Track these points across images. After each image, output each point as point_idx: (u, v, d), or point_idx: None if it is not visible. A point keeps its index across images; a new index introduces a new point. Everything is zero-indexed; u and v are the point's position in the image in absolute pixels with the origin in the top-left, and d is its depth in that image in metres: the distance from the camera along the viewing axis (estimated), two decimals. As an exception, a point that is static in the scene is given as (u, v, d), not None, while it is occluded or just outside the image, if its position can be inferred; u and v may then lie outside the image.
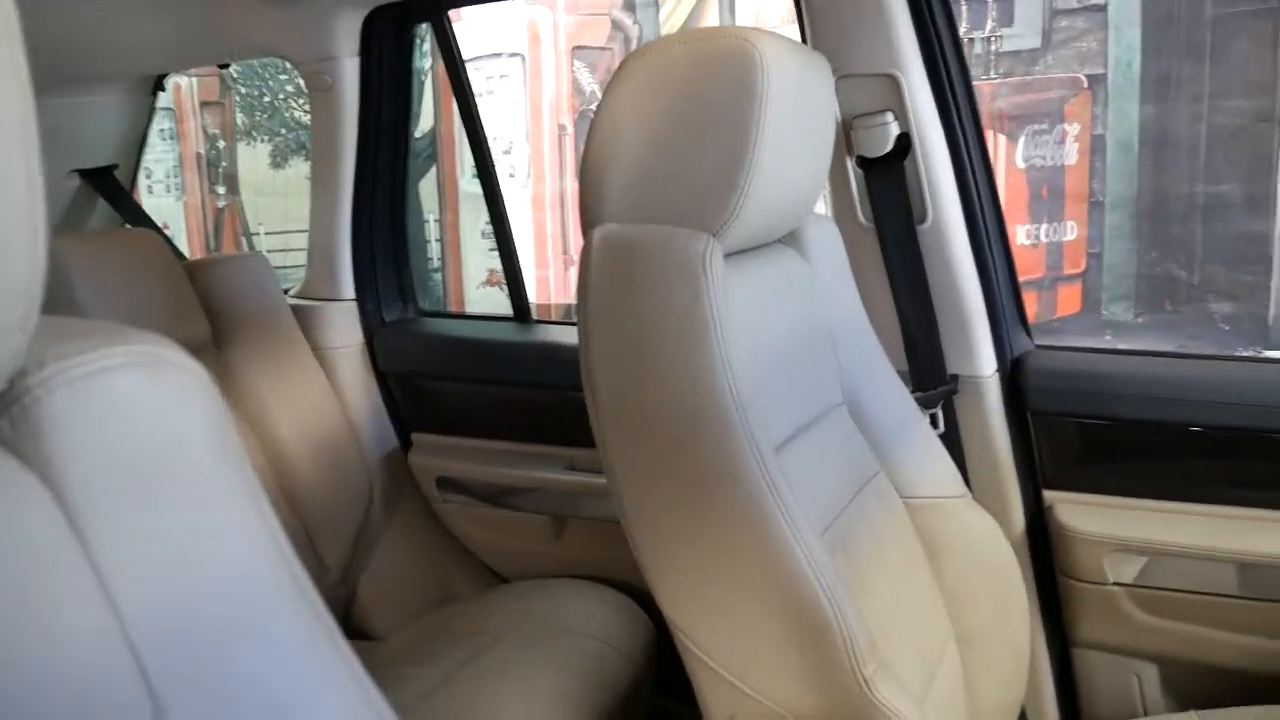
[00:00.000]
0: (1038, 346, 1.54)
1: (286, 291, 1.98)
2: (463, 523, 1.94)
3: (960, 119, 1.43)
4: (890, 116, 1.38)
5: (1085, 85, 5.62)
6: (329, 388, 1.87)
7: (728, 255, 1.02)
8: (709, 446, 0.87)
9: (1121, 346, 3.21)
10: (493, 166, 1.92)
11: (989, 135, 5.26)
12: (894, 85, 1.36)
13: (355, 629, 1.87)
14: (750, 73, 0.92)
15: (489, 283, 5.82)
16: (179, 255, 1.94)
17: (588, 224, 0.98)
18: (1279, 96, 5.11)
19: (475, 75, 6.42)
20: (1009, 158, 5.40)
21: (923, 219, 1.41)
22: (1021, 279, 5.09)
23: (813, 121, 1.07)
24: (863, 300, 1.31)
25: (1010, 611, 1.30)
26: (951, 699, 1.19)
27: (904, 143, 1.39)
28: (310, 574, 0.46)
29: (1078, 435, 1.49)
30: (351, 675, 0.46)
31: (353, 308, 1.95)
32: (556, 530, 1.83)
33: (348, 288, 1.95)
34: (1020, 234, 5.48)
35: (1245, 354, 1.97)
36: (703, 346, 0.87)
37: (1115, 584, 1.43)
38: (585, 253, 0.95)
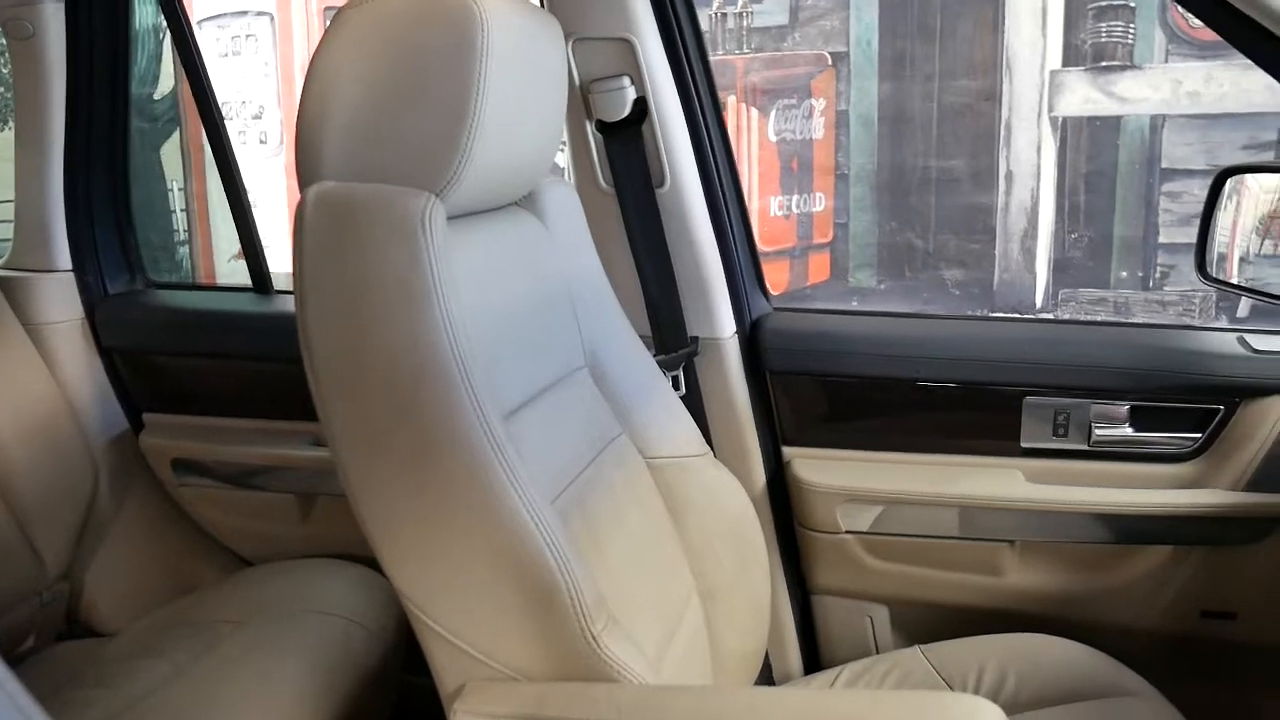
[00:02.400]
0: (775, 309, 1.60)
1: (-7, 263, 1.81)
2: (202, 506, 1.83)
3: (696, 85, 1.46)
4: (627, 81, 1.39)
5: (830, 62, 5.88)
6: (43, 366, 1.71)
7: (457, 217, 1.00)
8: (432, 411, 0.84)
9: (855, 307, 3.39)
10: (224, 130, 1.81)
11: (743, 109, 5.43)
12: (629, 50, 1.37)
13: (82, 626, 1.73)
14: (470, 28, 0.90)
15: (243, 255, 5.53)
16: None
17: (304, 182, 0.93)
18: (999, 77, 5.51)
19: (220, 34, 6.07)
20: (762, 131, 5.60)
21: (661, 183, 1.43)
22: (775, 248, 5.28)
23: (542, 82, 1.06)
24: (605, 264, 1.31)
25: (751, 565, 1.34)
26: (695, 651, 1.22)
27: (641, 107, 1.40)
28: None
29: (814, 393, 1.56)
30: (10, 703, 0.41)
31: (70, 279, 1.80)
32: (303, 509, 1.76)
33: (63, 257, 1.79)
34: (773, 205, 5.70)
35: (964, 314, 2.14)
36: (423, 309, 0.85)
37: (847, 532, 1.51)
38: (299, 212, 0.90)
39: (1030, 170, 5.47)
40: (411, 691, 1.48)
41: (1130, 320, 5.04)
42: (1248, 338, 1.42)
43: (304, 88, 0.95)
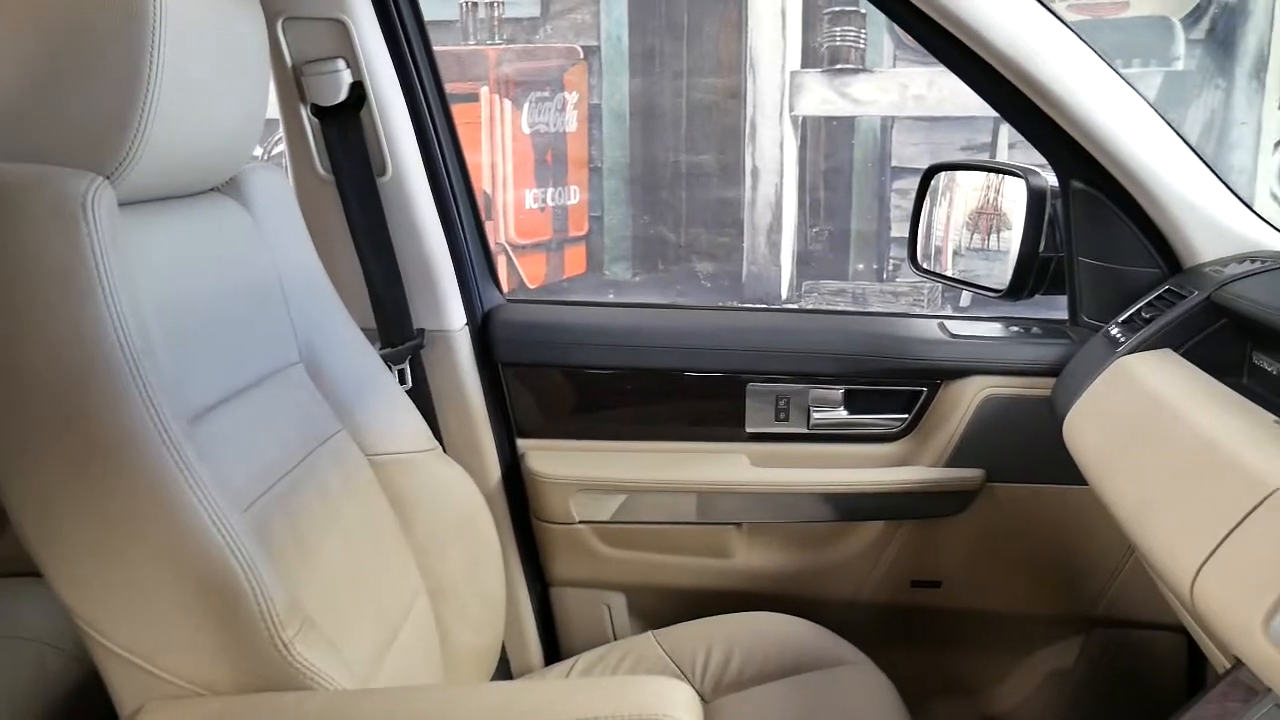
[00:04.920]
0: (507, 300, 1.59)
1: None
2: None
3: (418, 71, 1.42)
4: (342, 64, 1.33)
5: (581, 56, 5.93)
6: None
7: (141, 202, 0.93)
8: (100, 413, 0.77)
9: (586, 298, 3.43)
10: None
11: (496, 100, 5.39)
12: (344, 31, 1.32)
13: None
14: (140, 1, 0.83)
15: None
16: None
17: None
18: (744, 76, 5.72)
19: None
20: (515, 123, 5.57)
21: (383, 171, 1.39)
22: (531, 241, 5.27)
23: (235, 61, 1.00)
24: (325, 255, 1.25)
25: (483, 560, 1.33)
26: (422, 650, 1.19)
27: (359, 92, 1.35)
28: None
29: (547, 384, 1.55)
30: None
31: None
32: (-3, 525, 1.60)
33: None
34: (528, 198, 5.69)
35: (690, 304, 2.20)
36: (87, 302, 0.77)
37: (581, 522, 1.52)
38: None
39: (774, 167, 5.71)
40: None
41: (843, 309, 5.33)
42: (947, 324, 1.52)
43: None
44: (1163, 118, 1.26)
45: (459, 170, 1.50)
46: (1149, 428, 1.02)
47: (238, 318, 1.04)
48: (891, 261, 5.84)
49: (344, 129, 1.37)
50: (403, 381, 1.43)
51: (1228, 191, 1.28)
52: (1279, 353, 1.08)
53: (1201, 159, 1.27)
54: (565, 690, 0.85)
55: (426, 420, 1.34)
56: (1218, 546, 0.78)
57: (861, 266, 5.91)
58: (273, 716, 0.80)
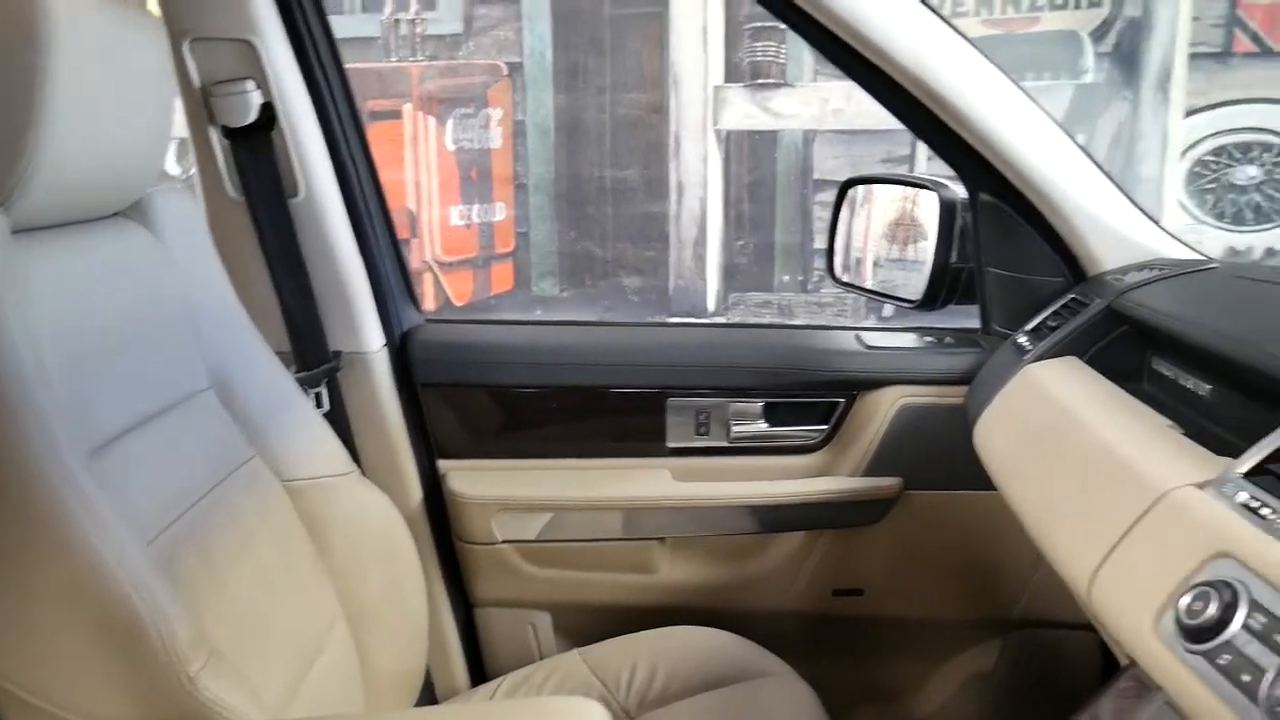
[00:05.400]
0: (427, 320, 1.58)
1: None
2: None
3: (331, 91, 1.41)
4: (252, 85, 1.32)
5: (505, 72, 5.92)
6: None
7: (37, 229, 0.91)
8: None
9: (504, 317, 3.43)
10: None
11: (419, 117, 5.36)
12: (252, 52, 1.30)
13: None
14: (33, 21, 0.81)
15: None
16: None
17: None
18: (667, 91, 5.76)
19: None
20: (440, 140, 5.54)
21: (295, 192, 1.37)
22: (457, 258, 5.24)
23: (137, 83, 0.98)
24: (237, 278, 1.23)
25: (404, 583, 1.31)
26: (340, 677, 1.17)
27: (270, 113, 1.34)
28: None
29: (468, 404, 1.54)
30: None
31: None
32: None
33: None
34: (454, 215, 5.66)
35: (609, 321, 2.21)
36: None
37: (504, 542, 1.51)
38: None
39: (699, 181, 5.75)
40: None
41: (760, 322, 5.39)
42: (863, 335, 1.54)
43: None
44: (1064, 131, 1.29)
45: (373, 190, 1.49)
46: (1051, 434, 1.05)
47: (142, 344, 1.02)
48: (816, 273, 5.92)
49: (255, 150, 1.35)
50: (319, 405, 1.41)
51: (1128, 202, 1.32)
52: (1176, 358, 1.11)
53: (1102, 170, 1.31)
54: (480, 714, 0.85)
55: (345, 443, 1.32)
56: (1112, 550, 0.80)
57: (787, 278, 5.98)
58: None
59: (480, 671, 1.63)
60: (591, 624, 1.56)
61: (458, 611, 1.59)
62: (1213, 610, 0.67)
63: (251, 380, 1.19)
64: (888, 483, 1.49)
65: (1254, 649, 0.64)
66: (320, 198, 1.39)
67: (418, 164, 5.40)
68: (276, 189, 1.36)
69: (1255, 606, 0.65)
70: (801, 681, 1.30)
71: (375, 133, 5.34)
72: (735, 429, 1.52)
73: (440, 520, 1.55)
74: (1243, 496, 0.74)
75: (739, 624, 1.43)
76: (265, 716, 0.84)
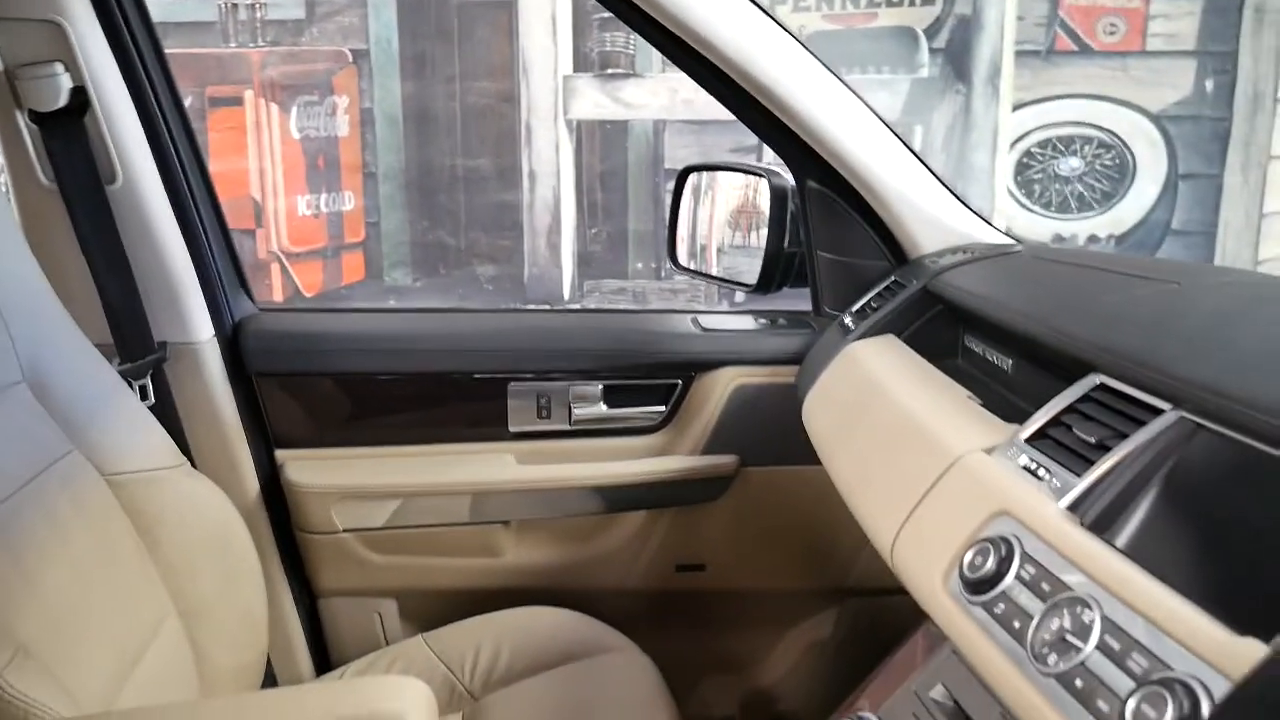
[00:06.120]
0: (261, 309, 1.55)
1: None
2: None
3: (148, 74, 1.36)
4: (60, 68, 1.26)
5: (350, 59, 5.80)
6: None
7: None
8: None
9: (340, 305, 3.37)
10: None
11: (262, 104, 5.20)
12: (61, 33, 1.25)
13: None
14: None
15: None
16: None
17: None
18: (517, 80, 5.74)
19: None
20: (284, 128, 5.39)
21: (112, 179, 1.33)
22: (306, 248, 5.11)
23: None
24: (51, 268, 1.19)
25: (240, 576, 1.29)
26: (173, 672, 1.15)
27: (82, 97, 1.29)
28: None
29: (305, 393, 1.52)
30: None
31: None
32: None
33: None
34: (301, 204, 5.51)
35: (449, 307, 2.21)
36: None
37: (345, 531, 1.50)
38: None
39: (551, 170, 5.75)
40: None
41: (599, 307, 5.44)
42: (700, 318, 1.58)
43: None
44: (883, 122, 1.35)
45: (200, 176, 1.45)
46: (862, 407, 1.10)
47: None
48: (667, 260, 5.98)
49: (67, 136, 1.30)
50: (145, 397, 1.37)
51: (944, 189, 1.39)
52: (983, 334, 1.18)
53: (920, 159, 1.37)
54: (296, 695, 0.84)
55: (175, 436, 1.29)
56: (910, 513, 0.85)
57: (640, 265, 6.04)
58: None
59: (325, 661, 1.61)
60: (438, 609, 1.56)
61: (301, 602, 1.57)
62: (990, 564, 0.72)
63: (68, 373, 1.15)
64: (725, 460, 1.54)
65: (1025, 597, 0.69)
66: (139, 185, 1.34)
67: (261, 152, 5.24)
68: (92, 176, 1.31)
69: (1027, 558, 0.71)
70: (643, 655, 1.33)
71: (216, 120, 5.17)
72: (576, 412, 1.54)
73: (280, 511, 1.52)
74: (1023, 460, 0.80)
75: (585, 603, 1.45)
76: (77, 711, 0.82)
